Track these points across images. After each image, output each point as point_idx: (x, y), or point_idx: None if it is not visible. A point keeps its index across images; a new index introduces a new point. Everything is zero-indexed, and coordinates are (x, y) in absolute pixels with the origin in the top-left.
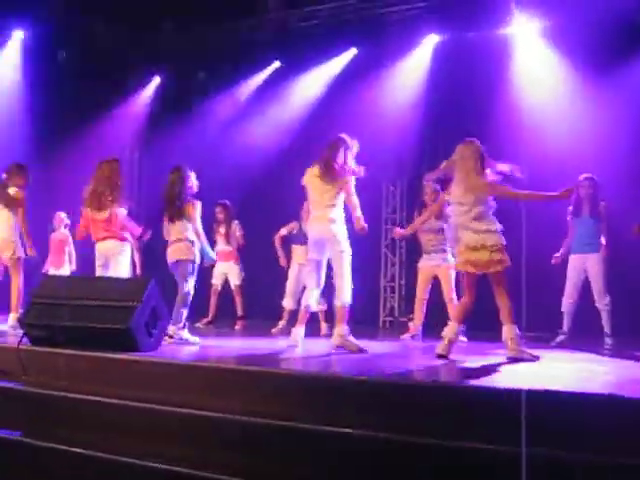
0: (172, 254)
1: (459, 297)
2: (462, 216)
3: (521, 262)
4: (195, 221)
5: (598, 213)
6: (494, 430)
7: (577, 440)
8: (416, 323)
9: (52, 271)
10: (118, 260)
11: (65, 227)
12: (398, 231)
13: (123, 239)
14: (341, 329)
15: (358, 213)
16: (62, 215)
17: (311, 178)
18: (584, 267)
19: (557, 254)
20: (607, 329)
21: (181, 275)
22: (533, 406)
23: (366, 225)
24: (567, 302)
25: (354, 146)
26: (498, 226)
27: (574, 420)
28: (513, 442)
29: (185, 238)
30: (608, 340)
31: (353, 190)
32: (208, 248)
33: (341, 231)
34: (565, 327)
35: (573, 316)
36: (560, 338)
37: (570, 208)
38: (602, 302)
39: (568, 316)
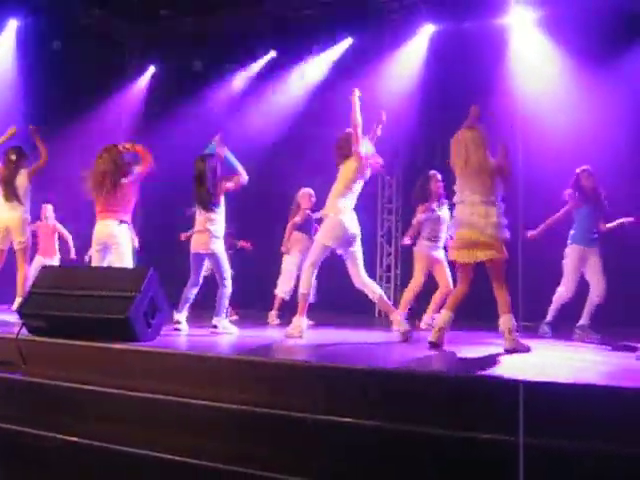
0: (200, 244)
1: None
2: (470, 206)
3: (517, 252)
4: None
5: (598, 204)
6: (492, 421)
7: (574, 430)
8: (405, 309)
9: (41, 260)
10: (118, 242)
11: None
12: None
13: (122, 219)
14: (397, 314)
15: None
16: (49, 207)
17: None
18: (584, 259)
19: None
20: (586, 320)
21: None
22: (530, 397)
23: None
24: (567, 294)
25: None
26: (503, 220)
27: (571, 410)
28: (510, 433)
29: (209, 229)
30: (579, 331)
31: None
32: None
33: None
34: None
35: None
36: (546, 328)
37: (567, 191)
38: (600, 295)
39: (558, 305)
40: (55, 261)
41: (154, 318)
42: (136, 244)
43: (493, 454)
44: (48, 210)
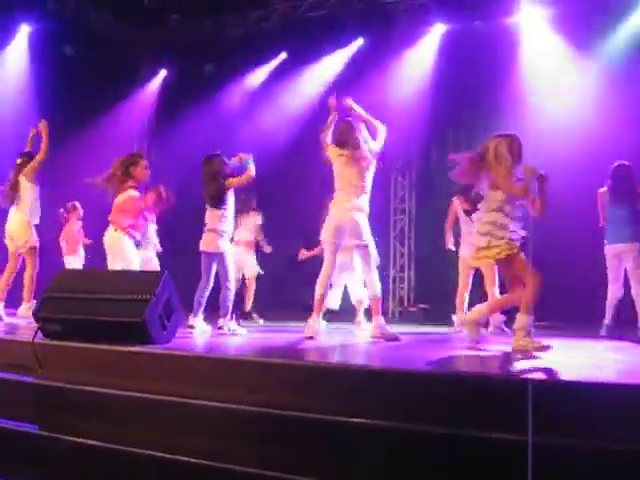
0: (208, 244)
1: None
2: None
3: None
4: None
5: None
6: (501, 420)
7: (583, 430)
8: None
9: (73, 260)
10: (117, 250)
11: (79, 218)
12: None
13: (119, 227)
14: (378, 321)
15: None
16: (77, 205)
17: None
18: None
19: None
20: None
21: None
22: (540, 396)
23: None
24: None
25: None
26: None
27: (580, 409)
28: (520, 431)
29: (217, 228)
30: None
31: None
32: None
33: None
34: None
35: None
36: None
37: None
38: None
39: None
40: (69, 261)
41: (169, 320)
42: (158, 248)
43: (502, 453)
44: (75, 209)
